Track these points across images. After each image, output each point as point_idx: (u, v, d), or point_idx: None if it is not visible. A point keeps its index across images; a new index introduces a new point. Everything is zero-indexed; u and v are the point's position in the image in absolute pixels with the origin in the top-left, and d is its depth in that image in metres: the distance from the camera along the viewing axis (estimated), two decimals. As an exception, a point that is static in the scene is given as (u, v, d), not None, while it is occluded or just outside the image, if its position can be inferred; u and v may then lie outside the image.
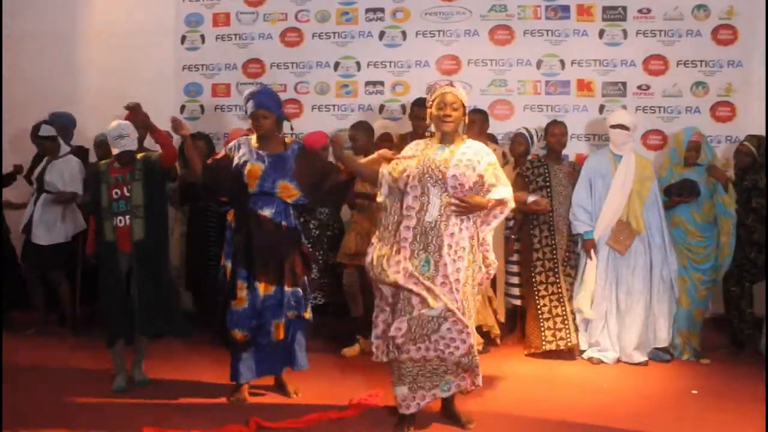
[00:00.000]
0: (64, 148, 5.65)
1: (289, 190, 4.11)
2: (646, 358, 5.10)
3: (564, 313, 5.18)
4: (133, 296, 4.34)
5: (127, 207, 4.35)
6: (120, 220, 4.35)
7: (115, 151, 4.38)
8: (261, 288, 4.07)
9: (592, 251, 5.10)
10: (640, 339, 5.09)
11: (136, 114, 4.36)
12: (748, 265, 5.25)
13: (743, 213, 5.22)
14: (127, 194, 4.35)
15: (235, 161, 4.12)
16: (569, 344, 5.18)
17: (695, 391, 4.58)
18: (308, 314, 4.23)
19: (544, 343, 5.17)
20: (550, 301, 5.19)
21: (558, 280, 5.19)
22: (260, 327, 4.09)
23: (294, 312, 4.14)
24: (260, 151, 4.11)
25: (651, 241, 5.10)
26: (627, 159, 5.11)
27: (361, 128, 5.30)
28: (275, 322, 4.08)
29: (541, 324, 5.19)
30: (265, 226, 4.07)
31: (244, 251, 4.09)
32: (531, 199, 5.12)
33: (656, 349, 5.20)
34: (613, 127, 5.15)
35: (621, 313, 5.12)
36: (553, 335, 5.17)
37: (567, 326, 5.17)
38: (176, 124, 4.19)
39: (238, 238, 4.11)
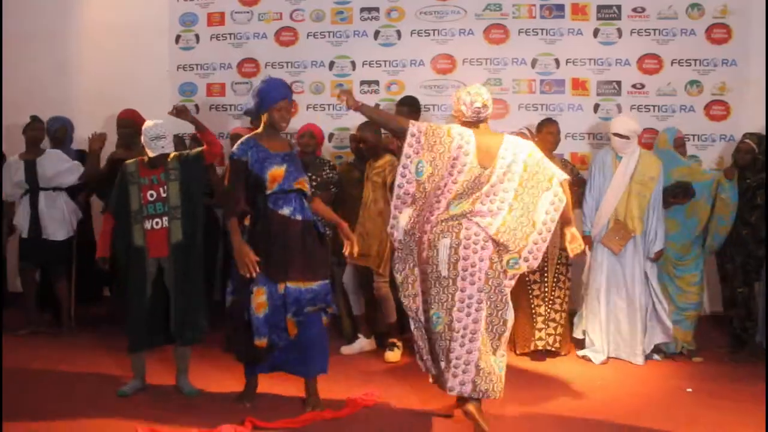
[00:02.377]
0: (45, 145, 5.71)
1: (304, 185, 4.08)
2: (642, 362, 5.09)
3: (555, 313, 5.20)
4: (171, 302, 4.22)
5: (164, 209, 4.20)
6: (156, 223, 4.20)
7: (151, 153, 4.22)
8: (281, 286, 3.96)
9: (587, 247, 5.11)
10: (643, 340, 5.09)
11: (185, 116, 4.31)
12: (754, 263, 5.24)
13: (747, 211, 5.20)
14: (164, 195, 4.20)
15: (250, 164, 3.98)
16: (559, 343, 5.21)
17: (690, 390, 4.60)
18: (330, 309, 4.12)
19: (535, 341, 5.20)
20: (543, 301, 5.20)
21: (548, 280, 5.21)
22: (276, 325, 3.99)
23: (317, 306, 4.03)
24: (276, 152, 4.02)
25: (649, 244, 5.08)
26: (627, 160, 5.09)
27: (368, 128, 5.21)
28: (288, 319, 3.98)
29: (534, 323, 5.21)
30: (286, 225, 3.98)
31: (263, 253, 3.96)
32: None
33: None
34: (613, 134, 5.14)
35: (618, 314, 5.12)
36: (546, 334, 5.20)
37: (558, 325, 5.20)
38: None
39: (256, 241, 3.98)
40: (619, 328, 5.12)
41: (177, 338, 4.26)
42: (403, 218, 3.89)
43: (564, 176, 3.91)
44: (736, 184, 5.16)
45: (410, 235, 3.90)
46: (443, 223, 3.79)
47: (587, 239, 5.12)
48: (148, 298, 4.22)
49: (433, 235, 3.79)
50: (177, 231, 4.21)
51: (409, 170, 3.84)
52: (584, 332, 5.27)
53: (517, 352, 5.24)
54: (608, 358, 5.13)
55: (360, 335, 5.28)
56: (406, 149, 3.83)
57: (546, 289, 5.20)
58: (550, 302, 5.20)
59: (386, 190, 5.03)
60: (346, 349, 5.24)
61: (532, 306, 5.20)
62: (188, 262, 4.24)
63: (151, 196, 4.21)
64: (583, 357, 5.18)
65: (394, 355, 5.11)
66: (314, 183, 5.22)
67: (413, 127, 3.83)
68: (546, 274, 5.20)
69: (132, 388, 4.33)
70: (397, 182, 3.87)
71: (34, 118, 5.74)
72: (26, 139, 5.70)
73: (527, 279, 5.21)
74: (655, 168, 5.09)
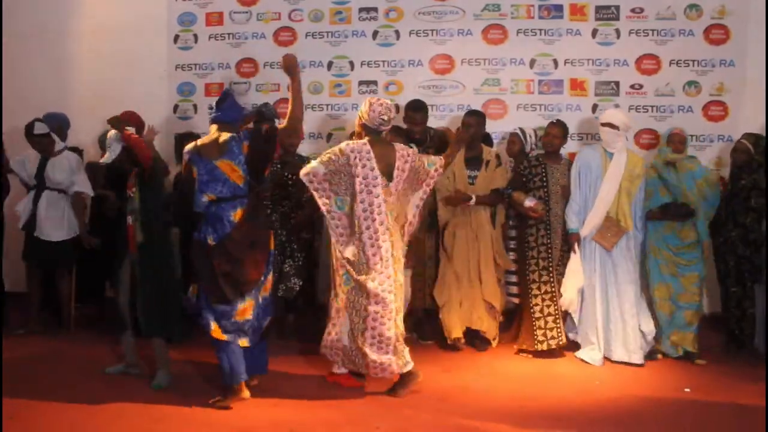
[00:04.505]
0: (60, 145, 5.68)
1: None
2: (642, 362, 5.06)
3: (556, 312, 5.19)
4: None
5: (130, 207, 4.45)
6: (128, 219, 4.44)
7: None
8: None
9: (576, 245, 5.12)
10: (637, 339, 5.06)
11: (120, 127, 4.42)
12: (748, 264, 5.25)
13: (741, 212, 5.21)
14: (131, 195, 4.44)
15: None
16: (560, 344, 5.19)
17: (688, 390, 4.60)
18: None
19: (536, 342, 5.19)
20: (543, 300, 5.20)
21: (551, 280, 5.20)
22: None
23: None
24: None
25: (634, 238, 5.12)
26: (618, 157, 5.10)
27: (397, 134, 5.15)
28: None
29: (534, 323, 5.20)
30: None
31: None
32: (528, 203, 5.12)
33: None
34: (603, 125, 5.15)
35: (612, 312, 5.10)
36: (544, 335, 5.18)
37: (558, 326, 5.18)
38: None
39: None
40: (613, 327, 5.09)
41: (142, 330, 4.47)
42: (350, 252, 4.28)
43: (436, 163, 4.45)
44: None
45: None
46: None
47: (573, 236, 5.14)
48: (126, 287, 4.50)
49: None
50: (139, 232, 4.41)
51: (334, 209, 4.34)
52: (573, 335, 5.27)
53: (524, 348, 5.26)
54: (605, 358, 5.11)
55: None
56: (316, 197, 4.35)
57: (553, 290, 5.19)
58: (557, 303, 5.19)
59: None
60: None
61: (531, 305, 5.20)
62: (150, 262, 4.41)
63: (129, 195, 4.48)
64: (581, 359, 5.16)
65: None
66: (290, 181, 5.35)
67: (307, 176, 4.30)
68: (551, 274, 5.19)
69: (116, 369, 4.65)
70: (331, 224, 4.36)
71: (40, 134, 5.62)
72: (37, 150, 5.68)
73: (528, 278, 5.22)
74: (640, 165, 5.17)
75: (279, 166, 5.35)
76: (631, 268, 5.11)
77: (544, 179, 5.24)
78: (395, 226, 4.34)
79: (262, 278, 4.21)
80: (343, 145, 4.32)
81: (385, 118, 4.31)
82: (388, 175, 4.28)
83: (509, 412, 4.14)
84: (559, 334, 5.19)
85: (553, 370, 5.01)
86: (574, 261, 5.13)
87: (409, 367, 4.33)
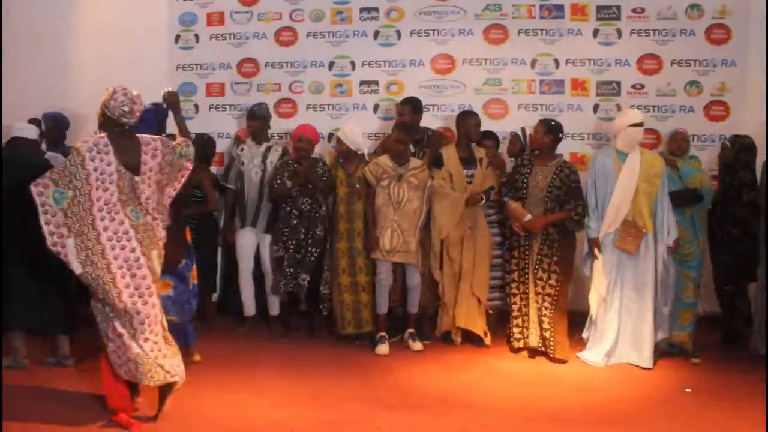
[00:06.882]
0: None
1: None
2: (652, 366, 5.01)
3: (528, 313, 5.17)
4: None
5: None
6: None
7: None
8: None
9: (596, 250, 5.06)
10: (650, 342, 5.00)
11: None
12: (741, 262, 5.26)
13: (738, 208, 5.23)
14: None
15: None
16: (529, 344, 5.18)
17: (689, 390, 4.60)
18: None
19: (512, 340, 5.24)
20: (520, 299, 5.21)
21: (527, 281, 5.18)
22: None
23: None
24: None
25: (659, 240, 5.03)
26: (632, 157, 5.03)
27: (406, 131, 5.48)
28: None
29: (510, 321, 5.26)
30: None
31: None
32: (528, 218, 5.08)
33: None
34: (633, 125, 5.01)
35: (628, 316, 5.05)
36: (521, 333, 5.21)
37: (527, 326, 5.17)
38: None
39: None
40: (628, 329, 5.05)
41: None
42: (71, 249, 3.70)
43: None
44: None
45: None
46: None
47: (593, 242, 5.09)
48: None
49: None
50: None
51: (50, 206, 3.69)
52: (587, 335, 5.25)
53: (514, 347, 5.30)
54: (611, 358, 5.06)
55: (384, 334, 5.31)
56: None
57: (527, 290, 5.17)
58: (536, 303, 5.15)
59: (422, 191, 5.32)
60: (383, 349, 5.26)
61: (510, 304, 5.27)
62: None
63: None
64: (584, 359, 5.14)
65: (385, 348, 5.27)
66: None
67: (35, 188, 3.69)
68: (527, 276, 5.17)
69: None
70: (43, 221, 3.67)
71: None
72: None
73: (507, 278, 5.31)
74: (657, 164, 5.07)
75: (295, 166, 5.48)
76: (649, 271, 5.01)
77: (525, 180, 5.17)
78: (149, 224, 3.88)
79: (182, 264, 4.51)
80: (78, 144, 3.88)
81: (126, 109, 3.94)
82: (133, 169, 3.84)
83: (509, 412, 4.15)
84: (528, 335, 5.17)
85: (553, 369, 5.00)
86: (597, 268, 5.08)
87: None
